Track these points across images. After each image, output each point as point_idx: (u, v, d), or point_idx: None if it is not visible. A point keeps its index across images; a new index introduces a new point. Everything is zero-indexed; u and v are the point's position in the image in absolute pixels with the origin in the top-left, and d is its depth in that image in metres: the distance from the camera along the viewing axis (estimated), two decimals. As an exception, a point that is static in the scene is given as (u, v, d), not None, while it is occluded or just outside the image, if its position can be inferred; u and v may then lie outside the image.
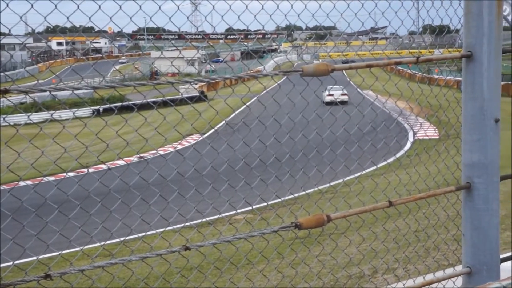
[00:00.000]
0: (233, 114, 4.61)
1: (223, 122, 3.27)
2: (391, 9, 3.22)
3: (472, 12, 2.24)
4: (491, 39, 2.22)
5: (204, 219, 3.83)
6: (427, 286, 2.41)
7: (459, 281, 2.59)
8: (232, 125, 3.90)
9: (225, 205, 3.22)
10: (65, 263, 6.58)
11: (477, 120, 2.26)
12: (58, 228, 2.40)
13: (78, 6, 1.81)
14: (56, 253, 2.95)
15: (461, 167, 2.43)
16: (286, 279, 5.22)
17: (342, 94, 21.72)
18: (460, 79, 2.58)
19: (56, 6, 1.86)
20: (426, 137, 17.20)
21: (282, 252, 5.71)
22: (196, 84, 2.03)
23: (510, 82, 44.29)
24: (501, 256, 2.50)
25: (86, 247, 7.65)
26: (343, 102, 18.26)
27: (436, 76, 17.44)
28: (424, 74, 22.69)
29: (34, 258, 2.66)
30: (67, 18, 2.10)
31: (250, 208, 3.65)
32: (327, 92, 18.64)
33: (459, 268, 2.65)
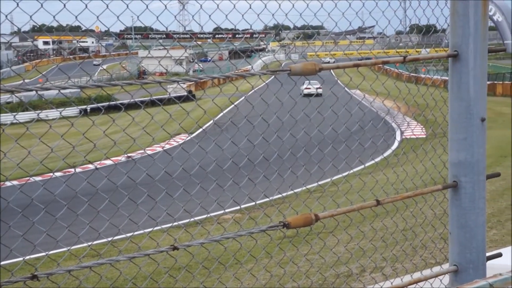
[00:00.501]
0: (221, 114, 4.59)
1: (211, 121, 3.25)
2: (378, 9, 3.24)
3: (458, 12, 2.25)
4: (477, 39, 2.24)
5: (192, 219, 3.83)
6: (415, 285, 2.43)
7: (446, 279, 2.60)
8: (220, 125, 3.88)
9: (213, 205, 3.20)
10: (52, 264, 6.50)
11: (463, 119, 2.27)
12: (45, 229, 2.37)
13: (64, 5, 1.80)
14: (43, 254, 2.91)
15: (448, 166, 2.45)
16: (274, 278, 5.23)
17: (317, 88, 23.16)
18: (446, 78, 2.59)
19: (42, 5, 1.83)
20: (414, 136, 17.32)
21: (271, 252, 5.71)
22: (184, 83, 2.02)
23: (496, 82, 44.84)
24: (487, 254, 2.52)
25: (73, 247, 7.60)
26: (318, 95, 19.49)
27: (423, 76, 17.59)
28: (411, 74, 22.89)
29: (21, 258, 2.63)
30: (54, 17, 2.07)
31: (238, 207, 3.63)
32: (304, 86, 21.42)
33: (446, 266, 2.66)
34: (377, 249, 4.32)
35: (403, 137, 22.70)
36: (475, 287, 1.45)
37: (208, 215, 3.88)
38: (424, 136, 15.60)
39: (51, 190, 2.31)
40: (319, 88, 23.03)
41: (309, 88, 20.90)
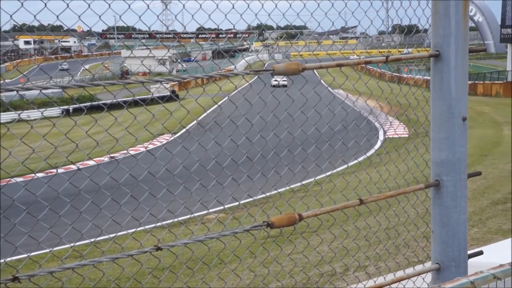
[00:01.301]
0: (205, 114, 4.58)
1: (195, 121, 3.23)
2: (361, 9, 3.25)
3: (439, 12, 2.28)
4: (458, 39, 2.26)
5: (175, 219, 3.79)
6: (398, 283, 2.44)
7: (429, 277, 2.62)
8: (203, 125, 3.86)
9: (197, 205, 3.17)
10: (34, 265, 6.44)
11: (445, 118, 2.29)
12: (27, 230, 2.33)
13: (45, 5, 1.79)
14: (25, 255, 2.86)
15: (430, 165, 2.47)
16: (258, 278, 5.21)
17: (283, 80, 24.11)
18: (428, 78, 2.61)
19: (22, 4, 1.81)
20: (396, 136, 17.43)
21: (254, 251, 5.70)
22: (167, 83, 2.00)
23: (477, 81, 45.50)
24: (469, 252, 2.55)
25: (55, 248, 7.47)
26: (284, 86, 20.42)
27: (405, 75, 17.77)
28: (394, 73, 23.12)
29: (2, 260, 2.58)
30: (34, 16, 1.99)
31: (222, 207, 3.63)
32: (273, 79, 21.70)
33: (428, 264, 2.69)
34: (361, 248, 4.32)
35: (386, 136, 22.91)
36: (456, 285, 1.46)
37: (192, 215, 3.84)
38: (407, 135, 15.74)
39: (33, 191, 2.28)
40: (284, 80, 23.96)
41: (276, 81, 21.64)
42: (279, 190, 3.91)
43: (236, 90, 3.08)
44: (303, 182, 4.35)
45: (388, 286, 2.43)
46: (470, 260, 2.52)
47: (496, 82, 48.10)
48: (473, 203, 11.98)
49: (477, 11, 70.71)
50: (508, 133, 26.68)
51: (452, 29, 2.24)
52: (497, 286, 1.53)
